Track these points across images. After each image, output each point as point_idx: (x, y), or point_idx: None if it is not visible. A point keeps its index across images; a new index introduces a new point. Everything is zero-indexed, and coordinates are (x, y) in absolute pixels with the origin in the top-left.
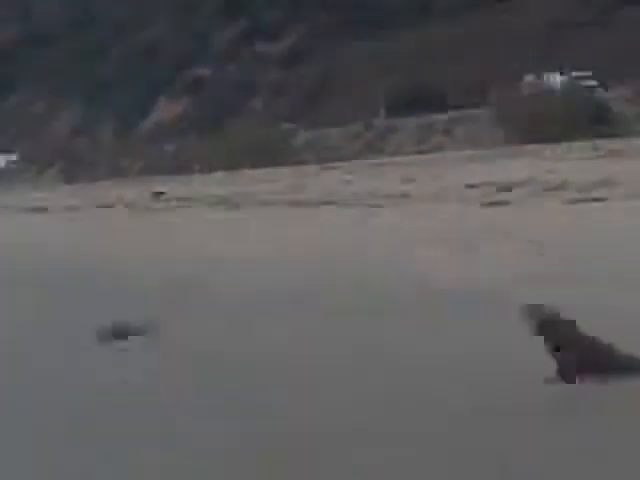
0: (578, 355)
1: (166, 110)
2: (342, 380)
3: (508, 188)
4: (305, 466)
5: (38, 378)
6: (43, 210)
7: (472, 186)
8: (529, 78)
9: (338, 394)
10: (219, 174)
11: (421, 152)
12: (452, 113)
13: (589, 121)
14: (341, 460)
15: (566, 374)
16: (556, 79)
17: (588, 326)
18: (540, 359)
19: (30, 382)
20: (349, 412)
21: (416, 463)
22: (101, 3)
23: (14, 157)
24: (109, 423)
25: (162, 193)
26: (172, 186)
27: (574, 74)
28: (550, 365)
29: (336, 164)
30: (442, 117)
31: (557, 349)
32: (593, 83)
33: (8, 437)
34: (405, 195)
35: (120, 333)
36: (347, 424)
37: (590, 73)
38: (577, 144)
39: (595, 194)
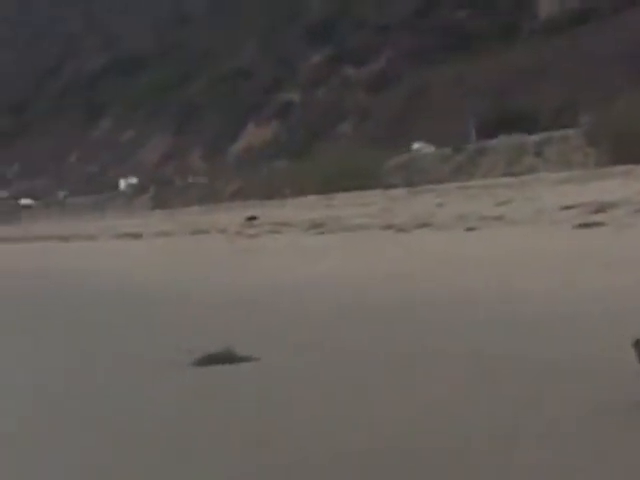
0: None
1: (255, 135)
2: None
3: (603, 209)
4: None
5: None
6: (137, 236)
7: (567, 207)
8: None
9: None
10: (310, 198)
11: (512, 174)
12: (543, 134)
13: None
14: None
15: None
16: None
17: None
18: None
19: (122, 402)
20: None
21: None
22: (189, 30)
23: (134, 180)
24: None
25: (255, 218)
26: (264, 211)
27: None
28: None
29: (427, 187)
30: (533, 138)
31: None
32: None
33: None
34: (500, 218)
35: (223, 358)
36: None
37: None
38: None
39: None
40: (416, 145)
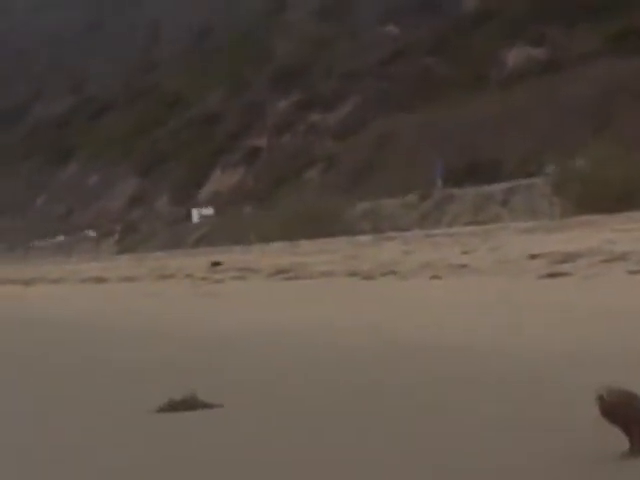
0: None
1: (222, 180)
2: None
3: (569, 259)
4: None
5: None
6: (102, 280)
7: (533, 257)
8: None
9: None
10: (276, 244)
11: (478, 223)
12: (508, 183)
13: None
14: None
15: (637, 451)
16: None
17: None
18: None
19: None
20: None
21: None
22: (157, 75)
23: (210, 211)
24: None
25: (219, 264)
26: (230, 256)
27: None
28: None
29: (392, 234)
30: (499, 187)
31: (627, 428)
32: None
33: None
34: (465, 266)
35: (186, 405)
36: None
37: None
38: (636, 214)
39: None
40: None
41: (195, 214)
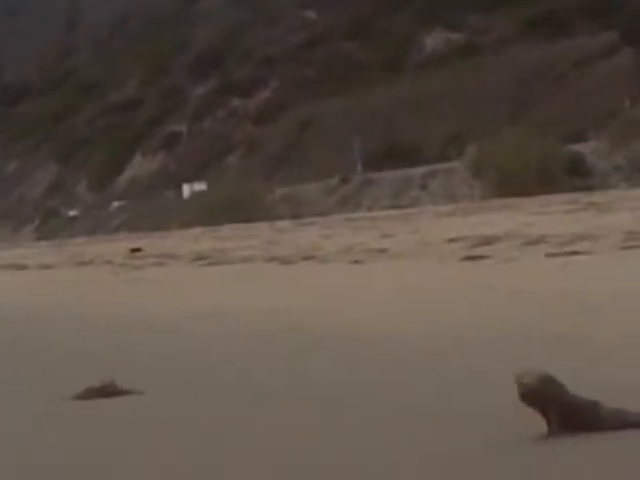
0: (565, 414)
1: (142, 166)
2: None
3: (488, 242)
4: None
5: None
6: (21, 267)
7: (451, 240)
8: None
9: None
10: (196, 230)
11: (398, 207)
12: (428, 167)
13: (565, 174)
14: None
15: (555, 433)
16: None
17: (573, 383)
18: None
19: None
20: None
21: None
22: (75, 60)
23: (203, 186)
24: None
25: (139, 250)
26: (150, 242)
27: None
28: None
29: (312, 219)
30: (418, 171)
31: (545, 410)
32: None
33: None
34: (384, 250)
35: (105, 392)
36: None
37: None
38: (554, 197)
39: (576, 247)
40: None
41: (186, 189)
